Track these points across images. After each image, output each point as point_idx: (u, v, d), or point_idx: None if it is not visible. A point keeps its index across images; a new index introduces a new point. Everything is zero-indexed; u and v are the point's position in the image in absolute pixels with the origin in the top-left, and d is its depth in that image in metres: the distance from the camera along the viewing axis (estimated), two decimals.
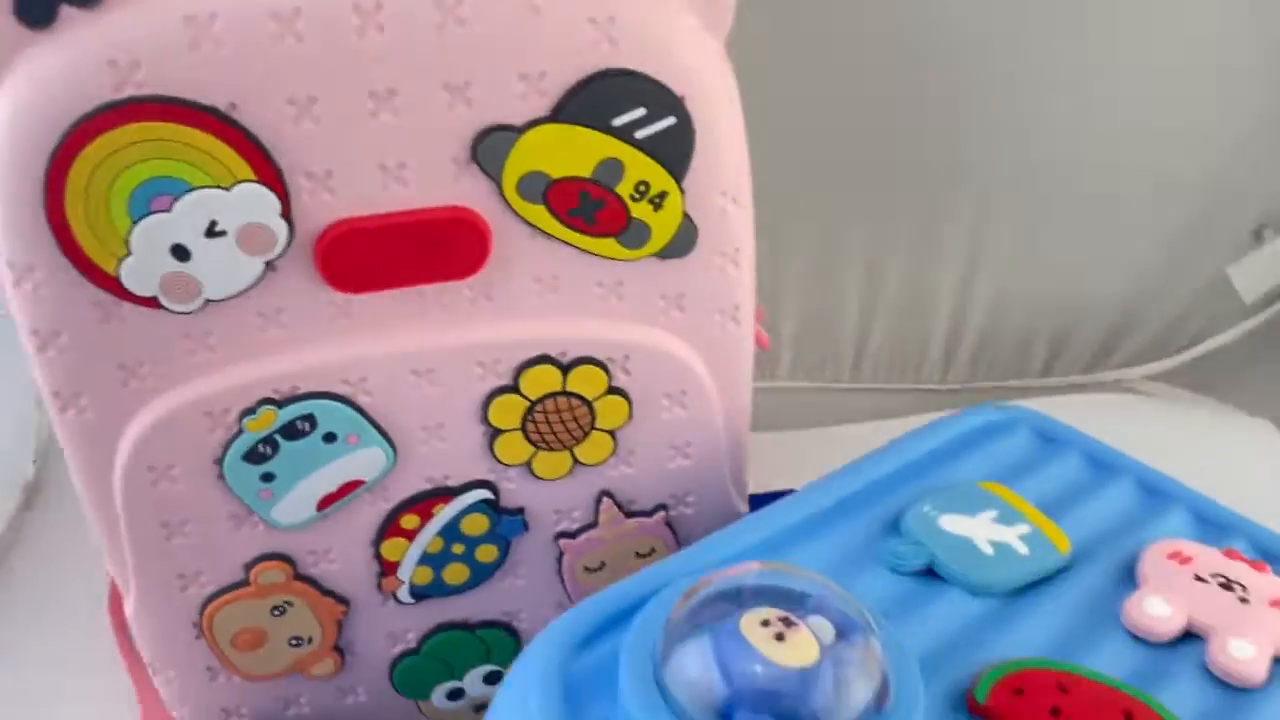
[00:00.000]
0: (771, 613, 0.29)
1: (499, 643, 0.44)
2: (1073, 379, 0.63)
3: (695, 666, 0.29)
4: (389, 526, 0.41)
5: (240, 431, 0.37)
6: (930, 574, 0.35)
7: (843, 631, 0.29)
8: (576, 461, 0.41)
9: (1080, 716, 0.29)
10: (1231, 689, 0.31)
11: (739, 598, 0.30)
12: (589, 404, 0.40)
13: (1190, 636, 0.32)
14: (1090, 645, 0.32)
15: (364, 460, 0.39)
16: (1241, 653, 0.31)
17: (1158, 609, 0.33)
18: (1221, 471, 0.46)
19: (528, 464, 0.41)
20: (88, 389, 0.36)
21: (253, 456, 0.37)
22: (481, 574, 0.43)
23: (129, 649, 0.49)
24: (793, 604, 0.30)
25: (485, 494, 0.41)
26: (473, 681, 0.45)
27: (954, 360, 0.63)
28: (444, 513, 0.41)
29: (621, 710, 0.29)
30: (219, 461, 0.37)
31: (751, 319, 0.43)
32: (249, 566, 0.40)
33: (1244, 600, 0.33)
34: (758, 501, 0.44)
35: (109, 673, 0.49)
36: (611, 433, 0.41)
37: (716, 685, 0.28)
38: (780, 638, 0.28)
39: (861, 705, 0.28)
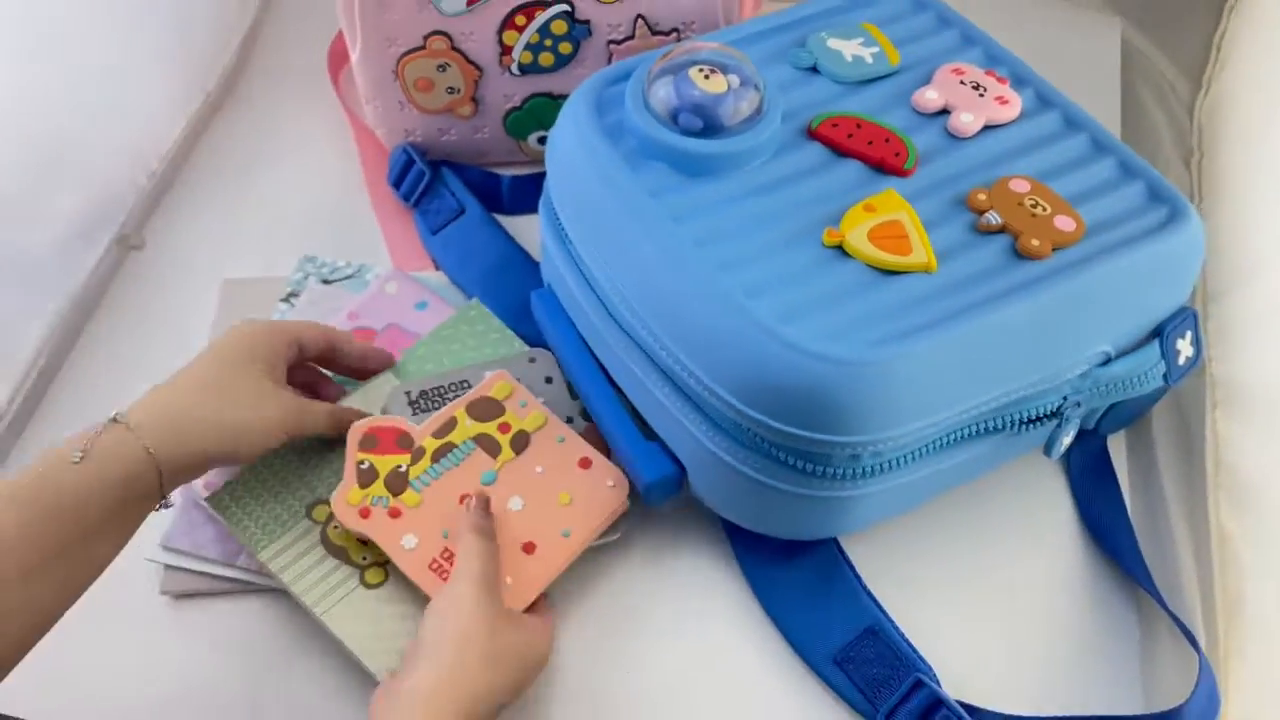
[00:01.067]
0: (706, 67, 0.55)
1: None
2: None
3: (663, 90, 0.55)
4: (508, 22, 0.67)
5: None
6: (815, 70, 0.60)
7: (743, 82, 0.55)
8: None
9: (863, 135, 0.56)
10: (954, 138, 0.57)
11: (692, 61, 0.56)
12: None
13: (945, 112, 0.58)
14: (886, 111, 0.58)
15: None
16: (965, 119, 0.57)
17: (930, 95, 0.58)
18: (1054, 45, 0.69)
19: None
20: None
21: None
22: (562, 62, 0.69)
23: (344, 98, 0.78)
24: (719, 66, 0.55)
25: (566, 8, 0.67)
26: None
27: None
28: (541, 17, 0.67)
29: (626, 112, 0.56)
30: None
31: None
32: (426, 37, 0.67)
33: (981, 95, 0.58)
34: None
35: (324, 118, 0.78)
36: None
37: (672, 99, 0.55)
38: (707, 77, 0.55)
39: (745, 115, 0.55)
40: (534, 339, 0.64)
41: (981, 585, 0.57)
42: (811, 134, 0.56)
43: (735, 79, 0.55)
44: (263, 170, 0.76)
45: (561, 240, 0.59)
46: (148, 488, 0.48)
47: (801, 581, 0.56)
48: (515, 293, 0.66)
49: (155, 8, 0.73)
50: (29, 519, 0.44)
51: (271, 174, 0.75)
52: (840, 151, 0.56)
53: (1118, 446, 0.62)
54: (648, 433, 0.56)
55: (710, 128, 0.54)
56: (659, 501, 0.56)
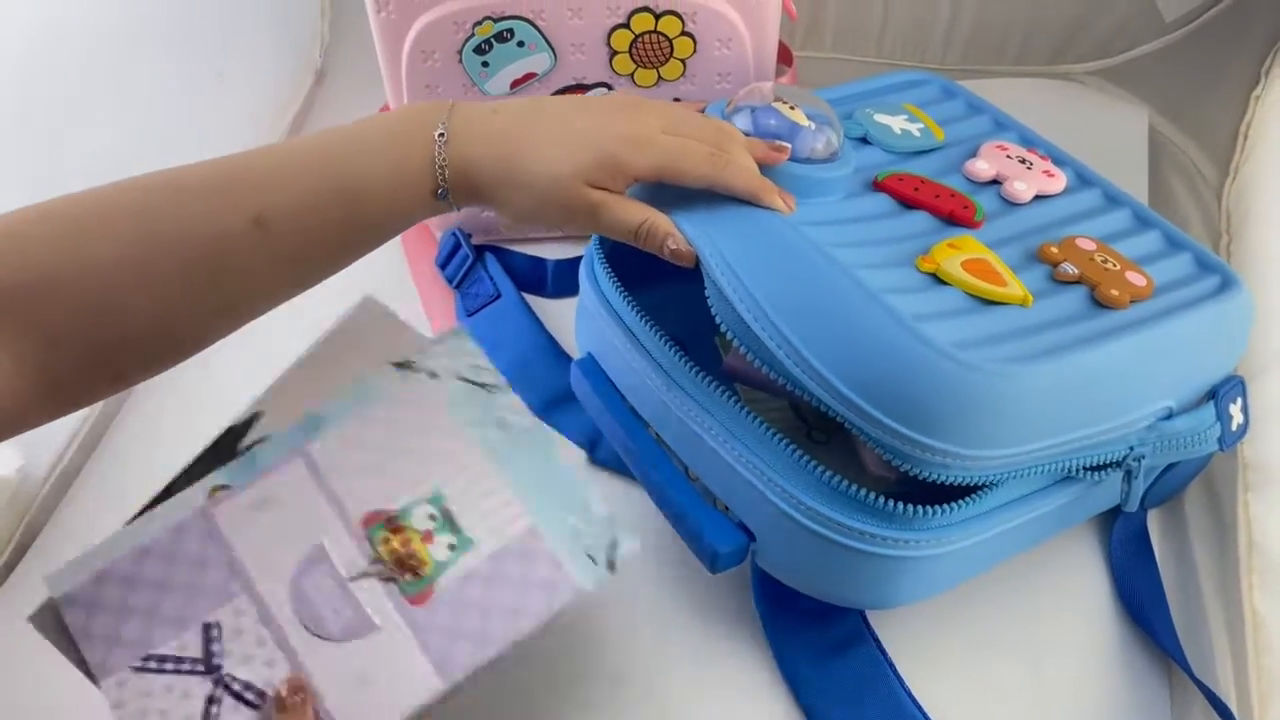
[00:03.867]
0: (790, 100, 0.56)
1: None
2: (1036, 68, 0.86)
3: (741, 121, 0.55)
4: None
5: (472, 34, 0.65)
6: (865, 141, 0.62)
7: (819, 124, 0.56)
8: (660, 78, 0.69)
9: (929, 190, 0.57)
10: (1010, 204, 0.58)
11: (776, 95, 0.56)
12: (670, 40, 0.67)
13: (996, 182, 0.59)
14: (940, 178, 0.59)
15: (538, 60, 0.67)
16: (1019, 186, 0.58)
17: (980, 165, 0.59)
18: (1086, 131, 0.71)
19: (631, 76, 0.69)
20: (393, 0, 0.64)
21: (478, 50, 0.66)
22: None
23: None
24: (802, 106, 0.56)
25: (605, 91, 0.69)
26: None
27: (951, 47, 0.86)
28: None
29: None
30: (460, 51, 0.66)
31: None
32: None
33: (1029, 168, 0.59)
34: None
35: None
36: (683, 61, 0.68)
37: (749, 129, 0.55)
38: (792, 109, 0.56)
39: (824, 153, 0.55)
40: (561, 426, 0.65)
41: (1014, 660, 0.56)
42: (878, 186, 0.57)
43: (814, 123, 0.56)
44: None
45: (609, 307, 0.59)
46: (439, 210, 0.49)
47: (842, 680, 0.55)
48: (540, 383, 0.67)
49: (214, 88, 0.77)
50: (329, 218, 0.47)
51: None
52: (908, 203, 0.57)
53: (1151, 528, 0.61)
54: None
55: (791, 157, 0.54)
56: (723, 569, 0.54)
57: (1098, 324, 0.50)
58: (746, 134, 0.54)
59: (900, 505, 0.49)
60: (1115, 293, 0.51)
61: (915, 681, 0.55)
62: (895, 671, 0.55)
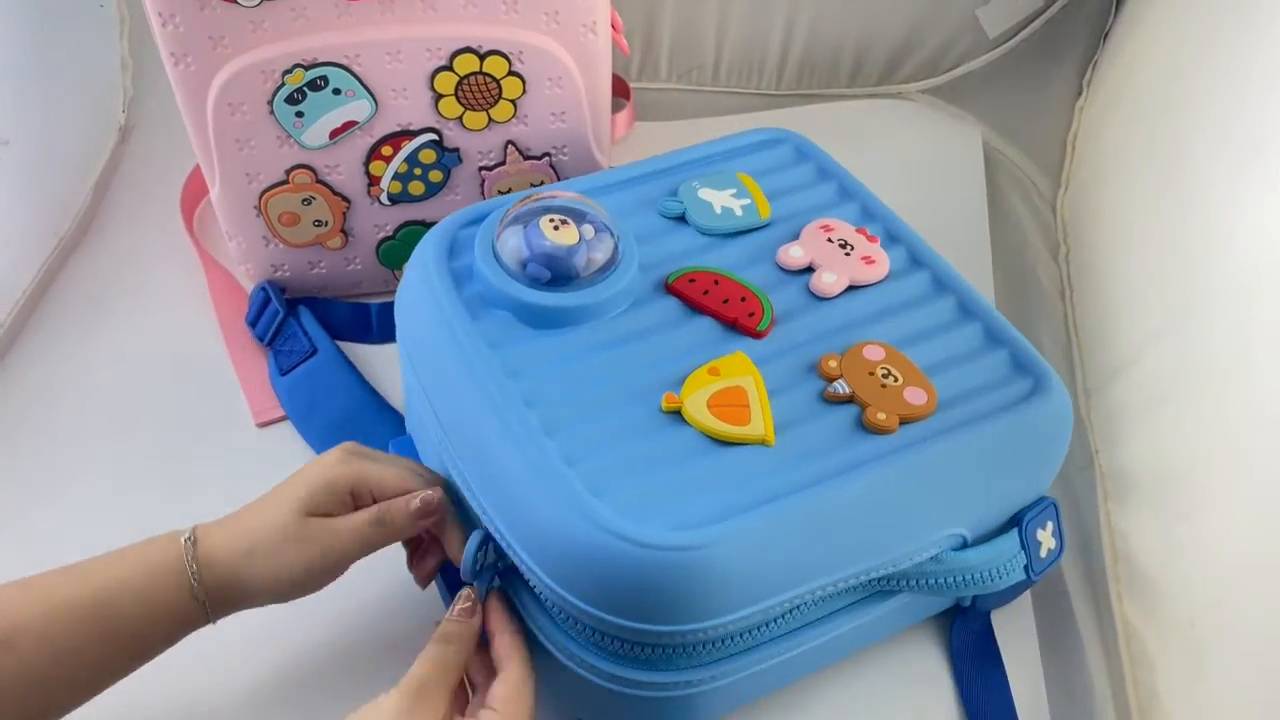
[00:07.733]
0: (557, 217, 0.52)
1: None
2: (869, 89, 0.86)
3: (513, 240, 0.52)
4: (374, 152, 0.65)
5: (283, 84, 0.61)
6: (682, 220, 0.58)
7: (598, 232, 0.53)
8: (491, 120, 0.66)
9: (720, 292, 0.53)
10: (816, 298, 0.54)
11: (544, 209, 0.53)
12: (497, 81, 0.64)
13: (809, 270, 0.55)
14: (748, 267, 0.56)
15: (357, 108, 0.63)
16: (828, 279, 0.55)
17: (794, 253, 0.56)
18: (922, 150, 0.71)
19: (460, 119, 0.65)
20: (191, 51, 0.59)
21: (290, 100, 0.61)
22: (433, 190, 0.68)
23: (198, 235, 0.75)
24: (573, 216, 0.53)
25: (433, 136, 0.66)
26: None
27: (785, 72, 0.85)
28: (408, 146, 0.66)
29: (475, 259, 0.53)
30: (270, 102, 0.61)
31: (608, 31, 0.66)
32: (289, 171, 0.65)
33: (848, 254, 0.56)
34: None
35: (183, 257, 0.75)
36: (513, 101, 0.65)
37: (522, 250, 0.52)
38: (557, 229, 0.52)
39: (598, 266, 0.52)
40: None
41: None
42: (669, 289, 0.54)
43: (590, 229, 0.52)
44: (121, 311, 0.72)
45: (424, 396, 0.53)
46: (196, 620, 0.48)
47: None
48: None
49: (8, 151, 0.70)
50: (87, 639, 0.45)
51: (130, 315, 0.72)
52: (695, 308, 0.53)
53: None
54: None
55: (559, 279, 0.52)
56: None
57: (854, 452, 0.47)
58: (522, 255, 0.52)
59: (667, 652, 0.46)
60: (882, 416, 0.47)
61: None
62: None
